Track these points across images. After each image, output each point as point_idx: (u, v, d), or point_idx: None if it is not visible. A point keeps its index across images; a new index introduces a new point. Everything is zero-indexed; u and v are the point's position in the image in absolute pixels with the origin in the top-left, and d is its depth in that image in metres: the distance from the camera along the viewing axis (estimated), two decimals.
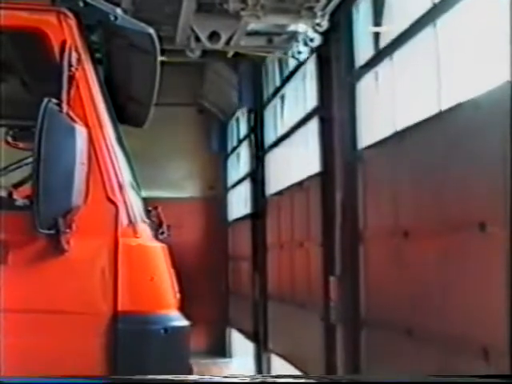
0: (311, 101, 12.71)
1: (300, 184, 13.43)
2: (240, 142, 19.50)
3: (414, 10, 8.45)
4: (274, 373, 15.74)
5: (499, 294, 6.43)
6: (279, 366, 15.08)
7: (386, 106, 9.52)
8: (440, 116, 7.81)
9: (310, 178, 12.69)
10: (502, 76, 6.50)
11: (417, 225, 8.40)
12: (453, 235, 7.45)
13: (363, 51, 10.37)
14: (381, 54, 9.69)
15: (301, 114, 13.45)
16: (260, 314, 16.27)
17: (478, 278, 6.94)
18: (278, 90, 15.41)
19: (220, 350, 20.34)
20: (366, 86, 10.33)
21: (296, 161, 14.15)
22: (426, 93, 8.24)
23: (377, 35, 9.99)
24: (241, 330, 18.86)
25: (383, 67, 9.65)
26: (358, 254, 10.33)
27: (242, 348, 18.98)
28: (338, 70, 10.99)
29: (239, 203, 19.68)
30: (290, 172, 14.29)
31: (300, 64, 12.97)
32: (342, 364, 10.58)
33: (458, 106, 7.38)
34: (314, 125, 12.44)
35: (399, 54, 9.09)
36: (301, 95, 13.59)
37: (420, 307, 8.20)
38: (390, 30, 9.43)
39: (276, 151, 15.85)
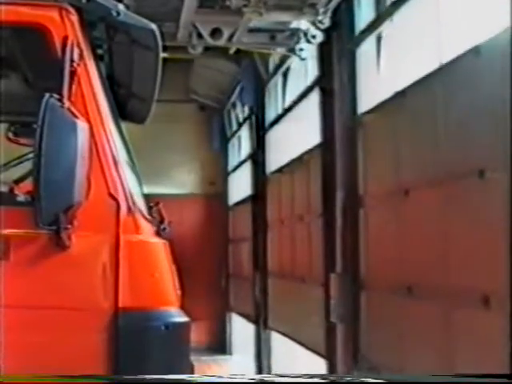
0: (312, 72, 12.65)
1: (300, 158, 13.44)
2: (240, 125, 19.47)
3: None
4: (273, 350, 15.88)
5: (499, 240, 6.45)
6: (278, 345, 15.25)
7: (387, 68, 9.58)
8: (441, 70, 7.85)
9: (310, 150, 12.68)
10: (501, 24, 6.53)
11: (418, 181, 8.42)
12: (453, 184, 7.47)
13: (364, 17, 10.39)
14: (381, 17, 9.71)
15: (302, 88, 13.40)
16: (260, 292, 16.28)
17: (478, 225, 6.97)
18: (278, 66, 15.38)
19: (220, 346, 20.37)
20: (366, 52, 10.33)
21: (296, 136, 14.14)
22: (427, 49, 8.29)
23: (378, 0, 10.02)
24: (241, 314, 18.86)
25: (384, 30, 9.68)
26: (358, 218, 10.35)
27: (242, 332, 19.01)
28: (338, 38, 10.96)
29: (240, 186, 19.68)
30: (291, 148, 14.30)
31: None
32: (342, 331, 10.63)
33: (459, 56, 7.42)
34: (315, 97, 12.34)
35: (400, 15, 9.12)
36: (302, 70, 13.50)
37: (421, 262, 8.23)
38: None
39: (277, 128, 15.82)
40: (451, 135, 7.62)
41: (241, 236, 19.12)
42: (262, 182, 16.60)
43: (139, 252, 4.09)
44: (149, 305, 4.05)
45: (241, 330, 19.37)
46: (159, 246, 4.23)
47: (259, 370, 16.26)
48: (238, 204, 19.96)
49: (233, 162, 20.99)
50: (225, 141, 21.35)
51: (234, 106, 20.07)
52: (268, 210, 16.05)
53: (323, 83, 11.69)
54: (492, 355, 6.55)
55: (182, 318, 4.16)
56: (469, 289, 7.03)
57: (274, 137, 16.11)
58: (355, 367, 10.20)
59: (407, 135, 8.76)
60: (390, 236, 9.23)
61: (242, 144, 19.74)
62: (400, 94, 8.95)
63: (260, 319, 16.30)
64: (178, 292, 4.31)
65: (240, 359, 19.23)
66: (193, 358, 4.33)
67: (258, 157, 16.99)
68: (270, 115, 16.28)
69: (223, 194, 21.22)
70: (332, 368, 10.93)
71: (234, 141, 20.69)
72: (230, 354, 20.50)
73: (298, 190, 13.62)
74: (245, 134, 18.91)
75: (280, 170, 15.07)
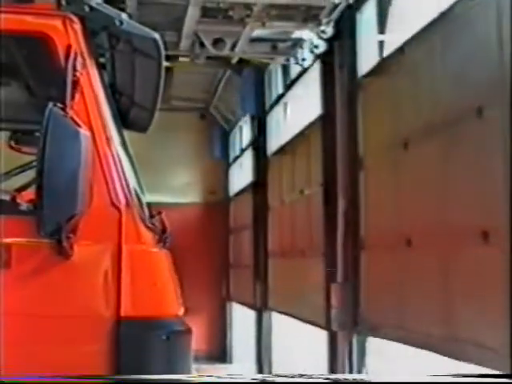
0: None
1: (301, 133, 13.42)
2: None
3: None
4: (274, 331, 15.95)
5: (498, 178, 6.50)
6: (279, 326, 15.31)
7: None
8: (440, 18, 7.85)
9: (311, 124, 12.64)
10: None
11: (416, 132, 8.41)
12: (452, 127, 7.47)
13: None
14: None
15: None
16: (260, 274, 16.27)
17: (477, 164, 7.01)
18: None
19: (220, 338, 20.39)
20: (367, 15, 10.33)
21: (296, 114, 14.11)
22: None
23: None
24: (242, 303, 18.80)
25: None
26: (358, 180, 10.35)
27: (242, 321, 19.01)
28: None
29: (240, 176, 19.68)
30: (291, 127, 14.30)
31: None
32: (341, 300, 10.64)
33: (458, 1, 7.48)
34: (315, 72, 12.22)
35: None
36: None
37: (420, 211, 8.25)
38: None
39: (277, 109, 15.78)
40: (449, 79, 7.65)
41: (242, 224, 18.99)
42: (263, 166, 16.51)
43: (141, 261, 4.08)
44: (150, 314, 4.04)
45: (241, 319, 19.37)
46: (161, 255, 4.23)
47: (259, 358, 16.32)
48: (238, 194, 19.88)
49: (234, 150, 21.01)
50: (226, 149, 21.34)
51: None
52: (269, 193, 16.00)
53: (324, 57, 11.58)
54: (492, 291, 6.58)
55: (184, 328, 4.16)
56: (468, 227, 7.04)
57: (275, 118, 16.06)
58: (355, 330, 10.21)
59: (406, 90, 8.79)
60: (389, 192, 9.25)
61: (243, 134, 19.69)
62: (399, 51, 8.96)
63: (260, 301, 16.27)
64: (180, 301, 4.30)
65: (241, 351, 19.24)
66: (194, 366, 4.33)
67: (258, 142, 16.91)
68: (271, 98, 16.26)
69: (224, 200, 21.22)
70: (332, 340, 10.97)
71: (236, 132, 20.61)
72: (231, 345, 20.51)
73: (298, 164, 13.59)
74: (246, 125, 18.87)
75: (282, 149, 15.04)
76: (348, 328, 10.34)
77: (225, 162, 21.35)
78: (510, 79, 6.35)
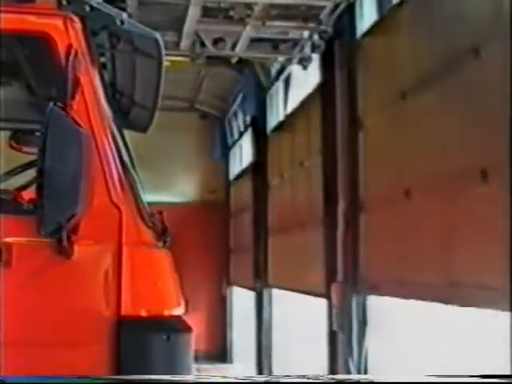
0: None
1: (301, 106, 13.40)
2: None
3: None
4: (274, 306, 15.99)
5: (495, 116, 6.53)
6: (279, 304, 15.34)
7: None
8: None
9: (310, 94, 12.58)
10: None
11: (414, 84, 8.40)
12: (450, 70, 7.47)
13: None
14: None
15: None
16: (260, 251, 16.28)
17: (475, 105, 7.03)
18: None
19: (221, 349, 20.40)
20: None
21: (296, 87, 14.11)
22: None
23: None
24: (242, 285, 18.83)
25: None
26: (357, 142, 10.33)
27: (241, 305, 19.04)
28: None
29: (240, 158, 19.75)
30: (290, 102, 14.26)
31: None
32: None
33: None
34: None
35: None
36: None
37: (419, 159, 8.28)
38: None
39: (276, 85, 15.78)
40: (445, 22, 7.65)
41: (242, 206, 18.99)
42: (262, 145, 16.47)
43: (142, 261, 4.09)
44: (151, 314, 4.04)
45: (241, 301, 19.40)
46: (162, 254, 4.23)
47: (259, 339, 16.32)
48: (237, 178, 19.91)
49: (234, 164, 21.02)
50: (226, 149, 21.36)
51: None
52: (269, 171, 15.98)
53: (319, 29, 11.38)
54: (492, 229, 6.59)
55: (184, 328, 4.16)
56: (467, 168, 7.06)
57: (275, 96, 16.05)
58: (355, 289, 10.23)
59: (403, 43, 8.80)
60: (388, 146, 9.26)
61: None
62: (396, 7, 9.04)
63: (260, 280, 16.27)
64: (181, 300, 4.30)
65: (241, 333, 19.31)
66: (194, 366, 4.33)
67: (258, 121, 16.87)
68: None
69: (224, 199, 21.24)
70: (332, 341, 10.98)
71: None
72: (231, 329, 20.60)
73: (298, 137, 13.58)
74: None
75: (280, 126, 15.06)
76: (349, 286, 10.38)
77: (224, 162, 21.40)
78: (509, 14, 6.28)
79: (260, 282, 16.33)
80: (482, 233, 6.82)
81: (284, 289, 14.53)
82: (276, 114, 15.93)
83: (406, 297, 8.55)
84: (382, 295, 9.48)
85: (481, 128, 6.91)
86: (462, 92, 7.33)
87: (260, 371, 16.00)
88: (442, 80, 7.68)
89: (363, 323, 10.17)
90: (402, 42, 8.86)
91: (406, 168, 8.64)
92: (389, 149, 9.26)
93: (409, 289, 8.36)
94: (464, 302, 7.12)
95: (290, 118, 14.34)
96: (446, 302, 7.47)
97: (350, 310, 10.29)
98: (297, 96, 13.95)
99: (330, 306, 10.92)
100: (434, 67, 7.90)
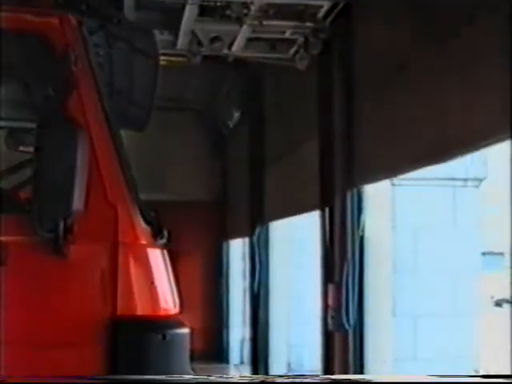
0: None
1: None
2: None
3: None
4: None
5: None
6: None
7: None
8: None
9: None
10: None
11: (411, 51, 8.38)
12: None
13: None
14: None
15: None
16: (256, 187, 16.28)
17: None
18: None
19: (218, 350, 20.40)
20: None
21: None
22: None
23: None
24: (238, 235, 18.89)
25: None
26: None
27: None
28: None
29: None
30: None
31: None
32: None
33: None
34: None
35: None
36: None
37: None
38: None
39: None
40: None
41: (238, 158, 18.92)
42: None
43: (138, 260, 4.09)
44: (147, 313, 4.04)
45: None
46: (158, 253, 4.23)
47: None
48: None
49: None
50: (222, 147, 21.35)
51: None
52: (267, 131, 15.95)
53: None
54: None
55: (181, 328, 4.15)
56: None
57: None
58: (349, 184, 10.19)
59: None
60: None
61: None
62: None
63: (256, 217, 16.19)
64: (178, 300, 4.30)
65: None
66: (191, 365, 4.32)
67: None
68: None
69: (222, 198, 21.28)
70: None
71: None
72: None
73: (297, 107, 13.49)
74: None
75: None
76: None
77: (223, 162, 21.41)
78: None
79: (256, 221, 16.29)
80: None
81: (282, 217, 14.49)
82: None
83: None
84: (375, 182, 9.57)
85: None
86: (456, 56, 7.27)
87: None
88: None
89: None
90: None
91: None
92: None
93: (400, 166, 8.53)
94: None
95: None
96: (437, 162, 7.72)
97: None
98: None
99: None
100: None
